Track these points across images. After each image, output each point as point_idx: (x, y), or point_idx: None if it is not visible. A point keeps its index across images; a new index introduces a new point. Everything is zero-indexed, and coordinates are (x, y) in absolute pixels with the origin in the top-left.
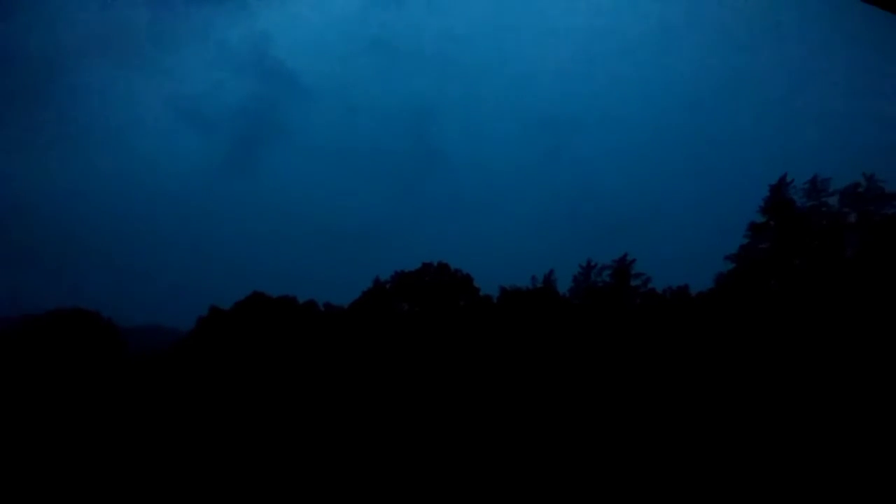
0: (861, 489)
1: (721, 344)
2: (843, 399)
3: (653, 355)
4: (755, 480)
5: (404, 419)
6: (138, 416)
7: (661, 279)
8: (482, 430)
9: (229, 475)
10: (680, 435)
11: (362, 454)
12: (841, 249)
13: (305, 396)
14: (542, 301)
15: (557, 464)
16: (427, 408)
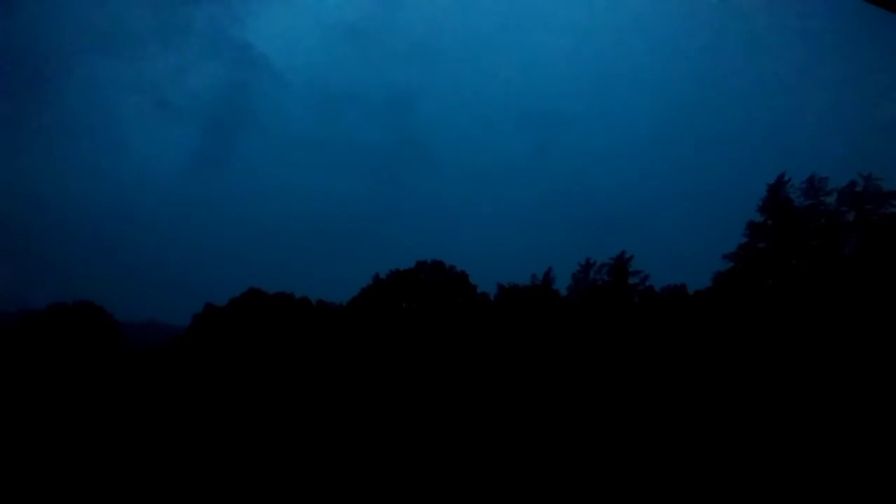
0: (859, 488)
1: (719, 343)
2: (841, 397)
3: (652, 354)
4: (753, 479)
5: (405, 416)
6: (140, 412)
7: (659, 278)
8: (482, 428)
9: (226, 471)
10: (678, 433)
11: (360, 451)
12: (839, 248)
13: (306, 392)
14: (541, 299)
15: (556, 462)
16: (430, 403)
